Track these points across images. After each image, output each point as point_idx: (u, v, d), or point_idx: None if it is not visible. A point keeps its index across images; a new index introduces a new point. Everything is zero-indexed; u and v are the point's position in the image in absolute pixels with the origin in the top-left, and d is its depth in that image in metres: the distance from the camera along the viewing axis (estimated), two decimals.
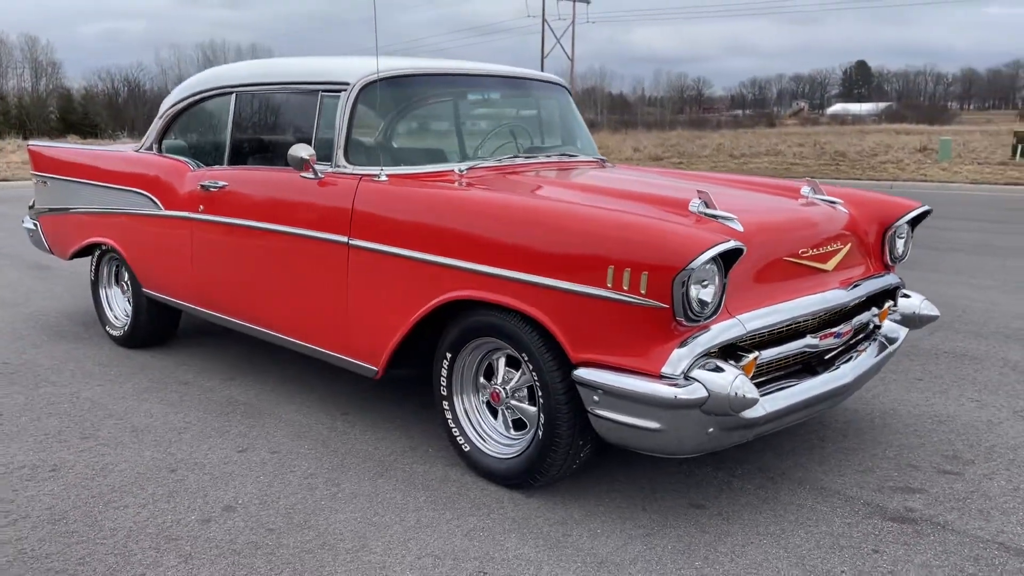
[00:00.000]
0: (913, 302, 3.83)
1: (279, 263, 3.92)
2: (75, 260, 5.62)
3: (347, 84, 3.77)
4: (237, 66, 4.57)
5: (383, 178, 3.59)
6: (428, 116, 4.22)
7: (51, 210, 5.61)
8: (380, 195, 3.51)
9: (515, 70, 4.40)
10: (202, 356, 5.01)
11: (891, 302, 3.72)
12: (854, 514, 3.03)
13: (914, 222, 3.84)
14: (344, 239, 3.58)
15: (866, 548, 2.80)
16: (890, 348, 3.61)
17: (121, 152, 5.18)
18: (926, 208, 3.82)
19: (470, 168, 3.79)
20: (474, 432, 3.35)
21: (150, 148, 4.95)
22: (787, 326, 3.06)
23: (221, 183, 4.23)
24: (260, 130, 4.44)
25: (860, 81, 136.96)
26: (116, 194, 4.93)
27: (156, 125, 4.92)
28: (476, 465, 3.32)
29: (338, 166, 3.74)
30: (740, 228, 2.96)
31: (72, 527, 2.97)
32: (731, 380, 2.67)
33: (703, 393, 2.64)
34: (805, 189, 3.69)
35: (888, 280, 3.67)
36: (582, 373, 2.85)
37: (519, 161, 4.03)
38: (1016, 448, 3.63)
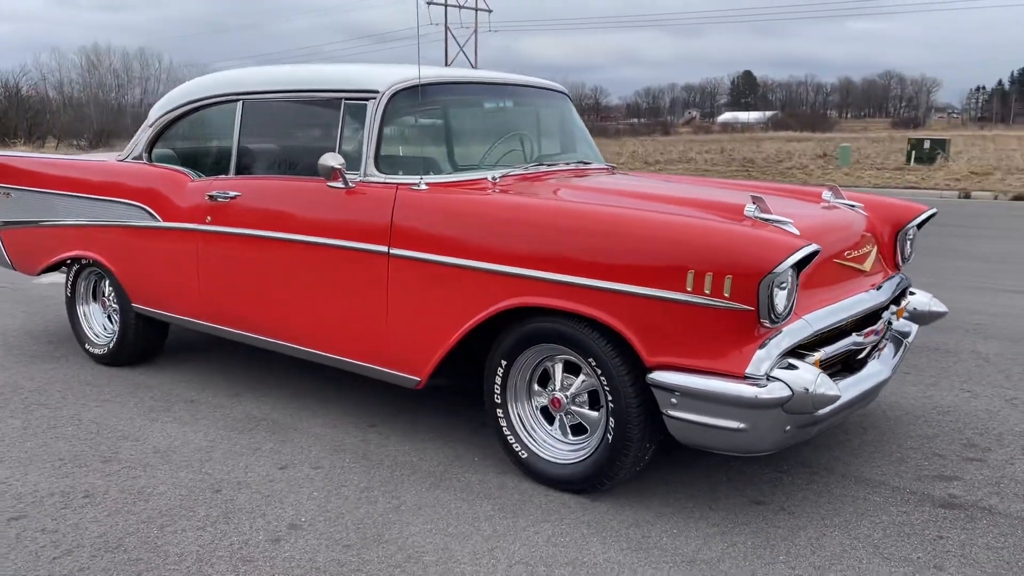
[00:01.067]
0: (923, 299, 4.06)
1: (304, 274, 3.83)
2: (16, 275, 5.33)
3: (376, 92, 3.72)
4: (241, 73, 4.44)
5: (423, 187, 3.56)
6: (453, 124, 4.19)
7: (16, 223, 5.30)
8: (425, 204, 3.49)
9: (527, 79, 4.43)
10: (196, 372, 4.83)
11: (906, 300, 3.92)
12: (905, 503, 3.19)
13: (919, 224, 4.06)
14: (383, 249, 3.54)
15: (930, 534, 2.95)
16: (906, 343, 3.81)
17: (103, 162, 4.95)
18: (934, 211, 4.05)
19: (503, 176, 3.80)
20: (530, 439, 3.36)
21: (139, 157, 4.75)
22: (838, 326, 3.20)
23: (232, 193, 4.10)
24: (271, 139, 4.33)
25: (747, 91, 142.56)
26: (102, 206, 4.71)
27: (146, 133, 4.72)
28: (535, 472, 3.32)
29: (368, 175, 3.69)
30: (796, 231, 3.07)
31: (134, 554, 2.83)
32: (813, 379, 2.78)
33: (787, 392, 2.74)
34: (826, 194, 3.86)
35: (903, 279, 3.87)
36: (658, 376, 2.90)
37: (543, 169, 4.07)
38: (1023, 435, 3.88)
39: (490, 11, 61.57)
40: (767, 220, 3.10)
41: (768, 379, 2.76)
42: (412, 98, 3.83)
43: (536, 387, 3.37)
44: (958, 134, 45.87)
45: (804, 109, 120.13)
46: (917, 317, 4.02)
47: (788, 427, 2.83)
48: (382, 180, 3.66)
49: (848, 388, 3.16)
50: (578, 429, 3.31)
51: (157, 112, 4.69)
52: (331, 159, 3.60)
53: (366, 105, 3.75)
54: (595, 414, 3.20)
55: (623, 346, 3.01)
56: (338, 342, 3.80)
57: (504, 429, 3.38)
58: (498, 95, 4.34)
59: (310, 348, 3.90)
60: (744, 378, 2.77)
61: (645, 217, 3.04)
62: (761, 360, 2.78)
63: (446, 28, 59.89)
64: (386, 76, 3.78)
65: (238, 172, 4.25)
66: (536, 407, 3.38)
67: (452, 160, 4.01)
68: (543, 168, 4.06)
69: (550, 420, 3.37)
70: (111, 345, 4.92)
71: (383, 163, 3.72)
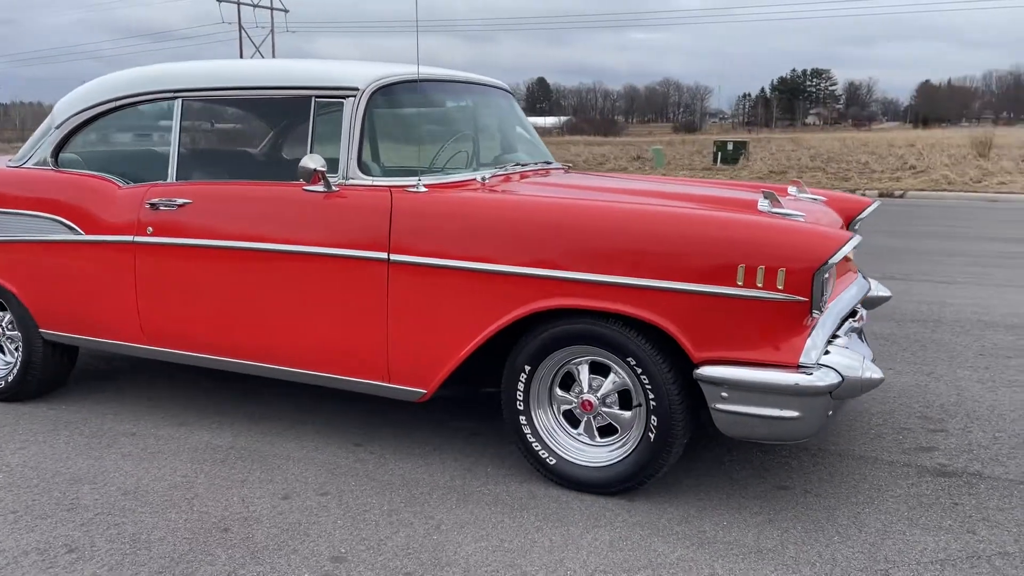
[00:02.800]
0: (870, 285, 4.35)
1: (281, 286, 3.53)
2: None
3: (355, 90, 3.50)
4: (175, 68, 4.00)
5: (422, 188, 3.39)
6: (431, 124, 4.02)
7: None
8: (430, 206, 3.32)
9: (484, 77, 4.33)
10: (119, 402, 4.33)
11: None
12: (908, 475, 3.40)
13: None
14: (382, 255, 3.33)
15: (946, 502, 3.17)
16: (863, 327, 4.07)
17: None
18: (878, 203, 4.36)
19: (492, 175, 3.69)
20: (557, 444, 3.28)
21: (43, 163, 4.18)
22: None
23: (180, 201, 3.71)
24: (217, 141, 3.96)
25: (541, 96, 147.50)
26: (2, 220, 4.11)
27: (51, 135, 4.17)
28: (566, 477, 3.24)
29: (350, 178, 3.46)
30: (807, 224, 3.20)
31: None
32: (860, 364, 2.90)
33: (837, 378, 2.84)
34: (792, 189, 4.05)
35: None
36: (707, 371, 2.92)
37: (519, 169, 3.99)
38: (960, 404, 4.25)
39: (286, 11, 59.84)
40: (779, 214, 3.20)
41: (818, 367, 2.86)
42: (391, 96, 3.64)
43: (558, 391, 3.29)
44: (735, 137, 49.84)
45: (595, 115, 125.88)
46: (866, 302, 4.30)
47: (830, 412, 2.94)
48: (368, 182, 3.45)
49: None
50: (606, 430, 3.26)
51: (66, 111, 4.15)
52: (312, 161, 3.35)
53: (343, 103, 3.51)
54: (627, 414, 3.17)
55: (664, 343, 3.01)
56: (327, 358, 3.53)
57: (529, 436, 3.28)
58: (466, 93, 4.21)
59: (293, 367, 3.59)
60: (798, 367, 2.85)
61: (692, 215, 3.06)
62: (810, 349, 2.87)
63: (240, 27, 57.53)
64: (364, 73, 3.56)
65: (179, 178, 3.84)
66: (559, 411, 3.31)
67: (434, 160, 3.83)
68: (519, 169, 3.99)
69: (573, 423, 3.30)
70: (9, 378, 4.31)
71: (365, 165, 3.51)
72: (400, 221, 3.32)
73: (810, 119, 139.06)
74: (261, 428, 3.93)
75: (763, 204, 3.26)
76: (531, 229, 3.14)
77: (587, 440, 3.28)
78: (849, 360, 2.91)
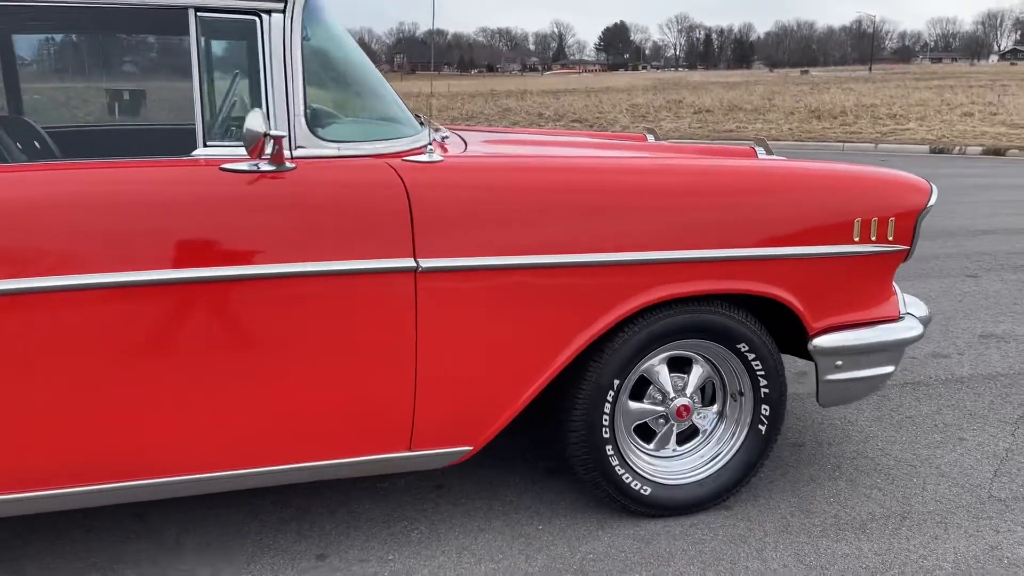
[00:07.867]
0: None
1: (221, 344, 2.07)
2: None
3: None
4: None
5: (436, 156, 2.28)
6: (347, 54, 2.58)
7: None
8: (473, 185, 2.26)
9: None
10: None
11: None
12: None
13: None
14: (405, 264, 2.17)
15: (900, 417, 3.40)
16: None
17: None
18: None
19: (434, 140, 2.65)
20: (646, 469, 2.61)
21: None
22: None
23: None
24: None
25: None
26: None
27: None
28: (663, 505, 2.60)
29: (298, 147, 2.17)
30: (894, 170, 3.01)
31: None
32: (920, 302, 2.90)
33: (920, 323, 2.81)
34: (650, 137, 3.79)
35: None
36: (824, 341, 2.62)
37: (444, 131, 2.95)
38: None
39: None
40: (776, 159, 2.99)
41: (906, 315, 2.78)
42: (317, 12, 2.34)
43: (630, 403, 2.59)
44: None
45: None
46: None
47: None
48: (333, 151, 2.21)
49: None
50: (685, 436, 2.70)
51: None
52: (258, 121, 1.99)
53: (256, 22, 2.14)
54: (713, 409, 2.69)
55: (774, 321, 2.62)
56: (310, 441, 2.19)
57: (618, 468, 2.53)
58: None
59: (252, 468, 2.14)
60: (899, 319, 2.73)
61: (812, 170, 2.64)
62: (899, 296, 2.79)
63: None
64: None
65: None
66: (631, 427, 2.62)
67: (368, 116, 2.56)
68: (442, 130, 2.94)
69: (645, 436, 2.66)
70: None
71: (319, 124, 2.24)
72: (425, 210, 2.19)
73: None
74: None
75: (761, 152, 3.00)
76: (627, 201, 2.36)
77: (670, 454, 2.68)
78: (913, 300, 2.90)
